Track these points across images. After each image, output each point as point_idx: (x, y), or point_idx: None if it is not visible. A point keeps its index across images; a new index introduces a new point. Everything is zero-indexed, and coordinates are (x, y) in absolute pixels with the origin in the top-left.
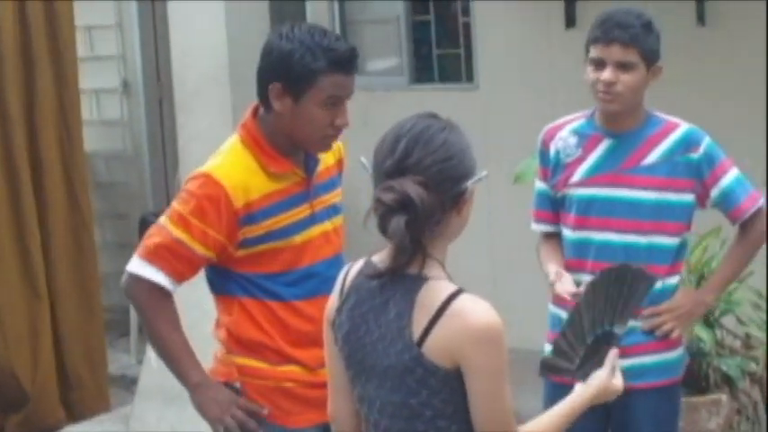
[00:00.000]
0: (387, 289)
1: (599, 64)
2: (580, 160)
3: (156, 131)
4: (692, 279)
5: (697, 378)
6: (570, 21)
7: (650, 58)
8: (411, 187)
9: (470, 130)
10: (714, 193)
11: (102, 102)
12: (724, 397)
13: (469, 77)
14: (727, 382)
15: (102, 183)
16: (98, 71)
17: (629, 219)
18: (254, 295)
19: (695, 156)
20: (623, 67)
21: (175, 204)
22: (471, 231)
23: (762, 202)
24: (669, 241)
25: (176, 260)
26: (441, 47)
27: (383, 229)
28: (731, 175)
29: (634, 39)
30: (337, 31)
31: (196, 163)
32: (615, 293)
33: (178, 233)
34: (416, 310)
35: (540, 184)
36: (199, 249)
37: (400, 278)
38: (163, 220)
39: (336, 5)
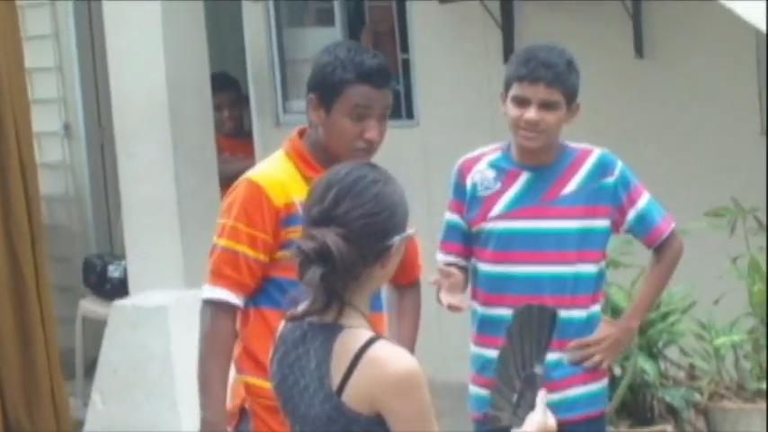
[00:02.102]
0: (308, 338)
1: (522, 102)
2: (499, 194)
3: (98, 174)
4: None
5: (642, 409)
6: (508, 55)
7: (571, 97)
8: (332, 239)
9: (410, 168)
10: (631, 216)
11: (43, 145)
12: (669, 428)
13: (409, 114)
14: (672, 412)
15: (45, 226)
16: (39, 114)
17: (555, 250)
18: (278, 305)
19: (611, 180)
20: (546, 106)
21: (219, 219)
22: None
23: (674, 222)
24: (591, 270)
25: (235, 271)
26: None
27: (300, 276)
28: (645, 198)
29: (558, 78)
30: (276, 70)
31: (139, 204)
32: (528, 334)
33: (227, 243)
34: (334, 359)
35: (451, 216)
36: (251, 254)
37: (320, 327)
38: (214, 240)
39: (275, 46)
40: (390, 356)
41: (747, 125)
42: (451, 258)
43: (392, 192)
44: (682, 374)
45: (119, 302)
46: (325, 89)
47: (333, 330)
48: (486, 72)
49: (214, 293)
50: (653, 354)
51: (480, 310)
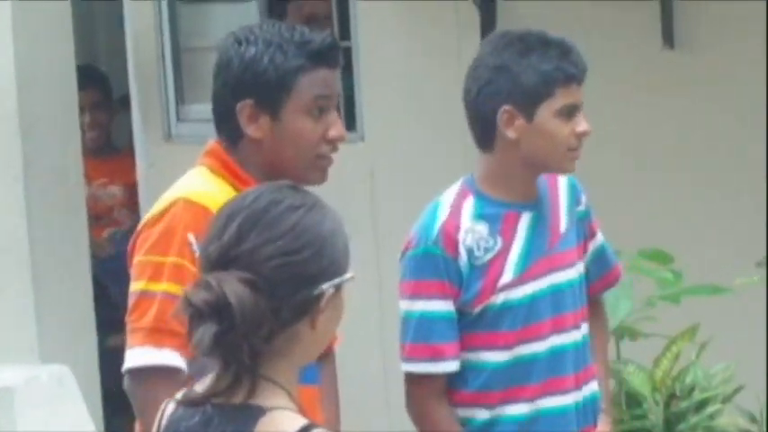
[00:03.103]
0: (213, 426)
1: (572, 111)
2: (504, 253)
3: None
4: (658, 399)
5: None
6: None
7: None
8: (231, 287)
9: (352, 195)
10: (590, 251)
11: None
12: None
13: (351, 125)
14: None
15: None
16: None
17: (572, 311)
18: None
19: (582, 209)
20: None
21: (145, 256)
22: (359, 321)
23: None
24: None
25: (181, 324)
26: None
27: (190, 337)
28: (599, 230)
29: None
30: (167, 62)
31: None
32: None
33: (170, 288)
34: None
35: (438, 306)
36: None
37: (231, 412)
38: (138, 286)
39: (166, 30)
40: None
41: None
42: (454, 365)
43: (318, 222)
44: None
45: None
46: (267, 88)
47: (249, 415)
48: (458, 70)
49: (160, 358)
50: None
51: (489, 415)
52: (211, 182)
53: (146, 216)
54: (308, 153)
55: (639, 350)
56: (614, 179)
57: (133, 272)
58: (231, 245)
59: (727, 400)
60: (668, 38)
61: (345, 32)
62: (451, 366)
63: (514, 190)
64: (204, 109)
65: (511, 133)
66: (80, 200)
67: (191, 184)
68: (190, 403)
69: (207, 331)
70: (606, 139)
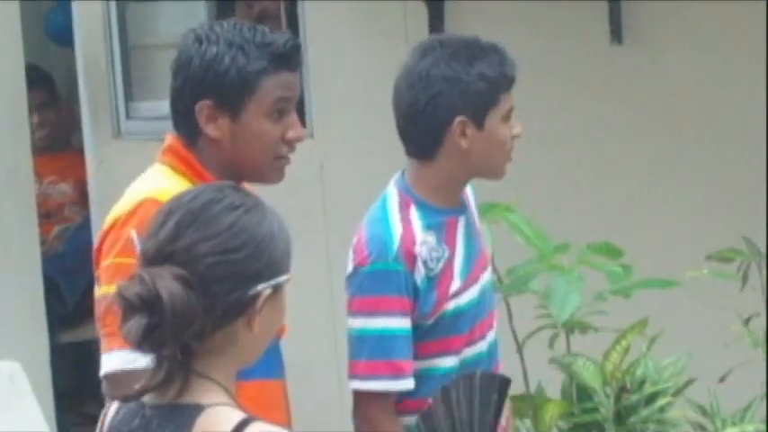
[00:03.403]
0: (153, 427)
1: (509, 116)
2: (450, 261)
3: None
4: (608, 392)
5: None
6: None
7: None
8: (165, 282)
9: (304, 186)
10: None
11: None
12: None
13: (301, 122)
14: None
15: None
16: None
17: (493, 309)
18: None
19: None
20: None
21: (115, 260)
22: (310, 319)
23: None
24: None
25: None
26: None
27: (122, 330)
28: None
29: None
30: (116, 60)
31: None
32: (464, 410)
33: None
34: None
35: (398, 323)
36: None
37: (169, 410)
38: (110, 289)
39: (114, 27)
40: None
41: (752, 127)
42: (410, 382)
43: (257, 223)
44: None
45: None
46: (228, 89)
47: (187, 413)
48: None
49: (142, 361)
50: None
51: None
52: (174, 180)
53: (112, 215)
54: (266, 154)
55: (589, 344)
56: (562, 174)
57: (103, 275)
58: (168, 241)
59: (678, 392)
60: (616, 34)
61: (294, 30)
62: (410, 384)
63: (452, 197)
64: (153, 106)
65: (464, 143)
66: (30, 197)
67: (155, 183)
68: (127, 399)
69: (136, 323)
70: (555, 134)
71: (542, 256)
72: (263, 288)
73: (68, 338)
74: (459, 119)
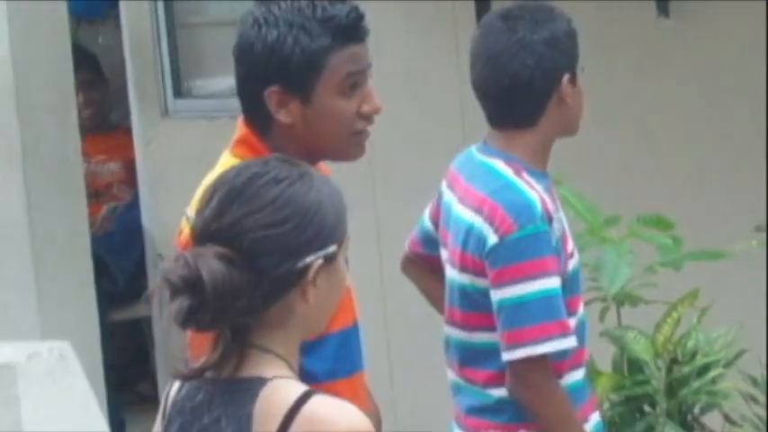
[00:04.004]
0: (216, 403)
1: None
2: (562, 222)
3: None
4: (660, 365)
5: None
6: (483, 10)
7: None
8: (207, 262)
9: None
10: None
11: None
12: None
13: None
14: None
15: None
16: None
17: None
18: None
19: None
20: None
21: None
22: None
23: None
24: None
25: None
26: None
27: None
28: None
29: None
30: (163, 39)
31: None
32: None
33: None
34: (256, 425)
35: (556, 282)
36: None
37: (232, 385)
38: None
39: (161, 6)
40: (335, 414)
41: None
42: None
43: (303, 194)
44: None
45: None
46: (294, 72)
47: (250, 387)
48: (455, 37)
49: None
50: (687, 424)
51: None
52: None
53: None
54: (343, 132)
55: (640, 316)
56: (612, 148)
57: None
58: (212, 219)
59: (729, 364)
60: (663, 8)
61: None
62: (573, 341)
63: (546, 161)
64: (201, 85)
65: (569, 101)
66: (79, 177)
67: None
68: (188, 377)
69: (180, 305)
70: (601, 107)
71: (592, 229)
72: (313, 259)
73: (119, 317)
74: (566, 77)
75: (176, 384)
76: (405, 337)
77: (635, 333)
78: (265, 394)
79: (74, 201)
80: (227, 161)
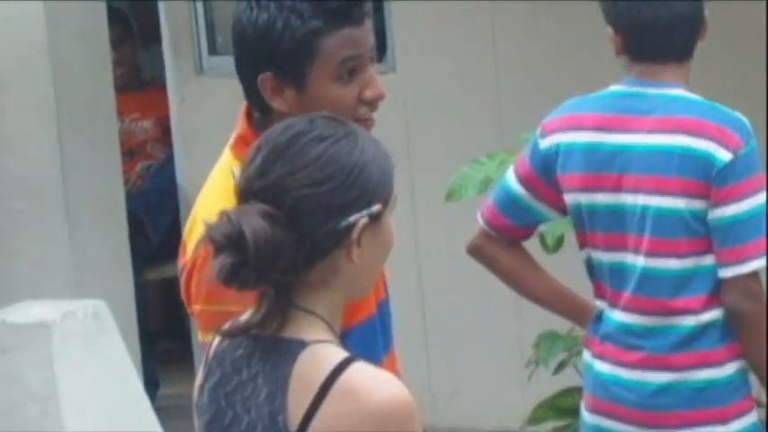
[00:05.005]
0: (255, 359)
1: None
2: None
3: None
4: None
5: None
6: None
7: None
8: (249, 220)
9: (387, 123)
10: None
11: None
12: None
13: (381, 56)
14: None
15: None
16: None
17: None
18: None
19: None
20: None
21: (206, 307)
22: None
23: None
24: None
25: None
26: None
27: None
28: None
29: None
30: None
31: (8, 183)
32: None
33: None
34: (293, 388)
35: None
36: None
37: (273, 343)
38: (204, 338)
39: None
40: (374, 385)
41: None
42: None
43: (347, 152)
44: None
45: None
46: (287, 57)
47: (289, 348)
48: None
49: None
50: None
51: None
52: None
53: (189, 249)
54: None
55: None
56: None
57: (197, 320)
58: (255, 177)
59: None
60: None
61: None
62: None
63: None
64: None
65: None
66: (113, 134)
67: (205, 203)
68: (230, 335)
69: (222, 262)
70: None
71: None
72: (357, 218)
73: (153, 276)
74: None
75: (218, 338)
76: (442, 288)
77: None
78: (304, 358)
79: (108, 158)
80: (227, 161)
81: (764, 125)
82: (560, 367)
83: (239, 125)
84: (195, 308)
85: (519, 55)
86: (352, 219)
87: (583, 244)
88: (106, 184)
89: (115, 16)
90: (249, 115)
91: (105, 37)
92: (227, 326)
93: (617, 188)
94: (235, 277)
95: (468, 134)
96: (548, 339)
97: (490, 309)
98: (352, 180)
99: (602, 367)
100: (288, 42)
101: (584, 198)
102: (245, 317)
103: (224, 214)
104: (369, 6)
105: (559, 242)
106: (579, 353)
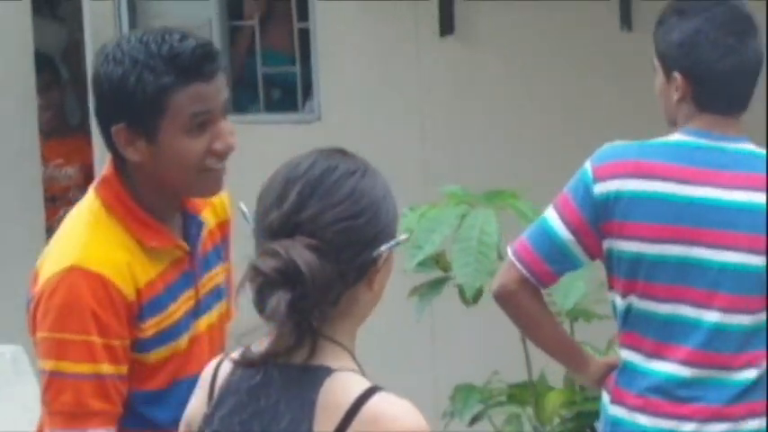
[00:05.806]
0: (275, 387)
1: None
2: None
3: None
4: None
5: None
6: (446, 27)
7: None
8: (300, 253)
9: None
10: None
11: None
12: None
13: (308, 106)
14: None
15: None
16: None
17: None
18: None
19: None
20: None
21: (48, 334)
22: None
23: None
24: None
25: (107, 402)
26: (268, 63)
27: (260, 306)
28: None
29: None
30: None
31: None
32: None
33: (85, 369)
34: (318, 414)
35: None
36: (115, 371)
37: (294, 371)
38: (47, 365)
39: (124, 13)
40: (396, 414)
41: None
42: None
43: (372, 186)
44: None
45: None
46: (138, 111)
47: (314, 375)
48: (417, 49)
49: None
50: None
51: None
52: (104, 231)
53: (41, 279)
54: (191, 171)
55: (593, 332)
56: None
57: (39, 348)
58: (293, 212)
59: None
60: (626, 20)
61: (303, 11)
62: None
63: None
64: None
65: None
66: (37, 181)
67: (85, 243)
68: (248, 364)
69: (281, 299)
70: (562, 119)
71: None
72: (386, 249)
73: None
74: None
75: (226, 365)
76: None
77: (588, 349)
78: (330, 385)
79: (31, 203)
80: (91, 201)
81: (764, 125)
82: (475, 419)
83: (105, 168)
84: (39, 335)
85: (444, 109)
86: (382, 249)
87: (626, 292)
88: (28, 231)
89: (42, 61)
90: (114, 168)
91: (32, 84)
92: (244, 355)
93: (691, 242)
94: (294, 312)
95: (392, 186)
96: (463, 391)
97: (406, 360)
98: (380, 213)
99: (645, 421)
100: (140, 96)
101: (651, 248)
102: (265, 346)
103: (268, 249)
104: (222, 62)
105: (479, 294)
106: (494, 405)
